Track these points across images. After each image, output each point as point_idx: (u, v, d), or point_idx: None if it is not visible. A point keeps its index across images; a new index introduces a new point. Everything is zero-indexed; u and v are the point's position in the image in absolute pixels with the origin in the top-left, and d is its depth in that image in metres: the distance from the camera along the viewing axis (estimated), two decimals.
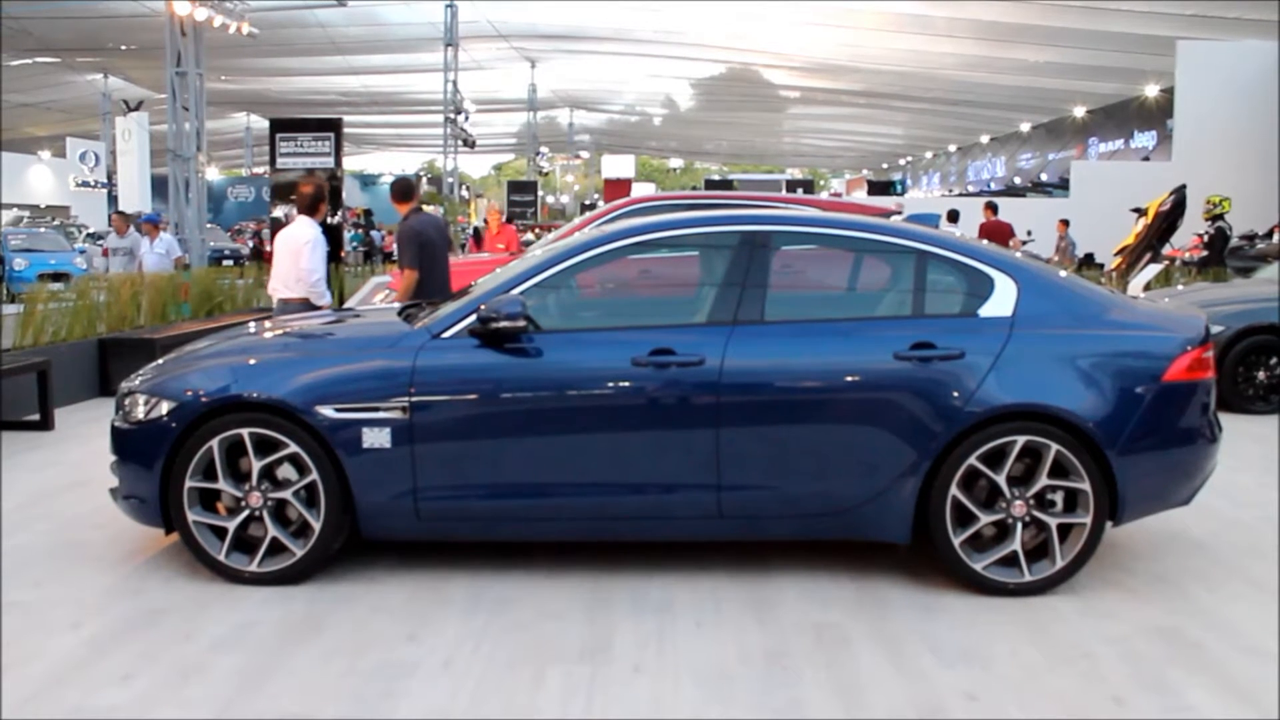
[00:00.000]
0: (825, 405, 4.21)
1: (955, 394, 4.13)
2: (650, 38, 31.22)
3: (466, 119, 32.60)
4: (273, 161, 14.76)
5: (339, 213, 15.19)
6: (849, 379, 4.19)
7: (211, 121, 33.87)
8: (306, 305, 7.27)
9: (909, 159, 58.34)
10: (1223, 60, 21.30)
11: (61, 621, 3.93)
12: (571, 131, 53.38)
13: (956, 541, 4.16)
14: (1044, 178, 37.28)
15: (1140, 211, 13.70)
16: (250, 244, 29.11)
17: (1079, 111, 35.80)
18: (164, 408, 4.30)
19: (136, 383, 4.55)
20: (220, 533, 4.29)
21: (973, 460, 4.13)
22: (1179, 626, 3.94)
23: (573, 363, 4.27)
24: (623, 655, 3.65)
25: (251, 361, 4.44)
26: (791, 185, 41.43)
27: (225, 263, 22.72)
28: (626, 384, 4.21)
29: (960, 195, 36.55)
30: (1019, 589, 4.18)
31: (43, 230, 23.74)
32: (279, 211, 14.18)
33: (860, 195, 38.56)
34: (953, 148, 50.41)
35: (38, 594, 4.22)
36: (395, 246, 8.22)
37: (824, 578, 4.40)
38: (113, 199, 32.49)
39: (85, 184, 39.76)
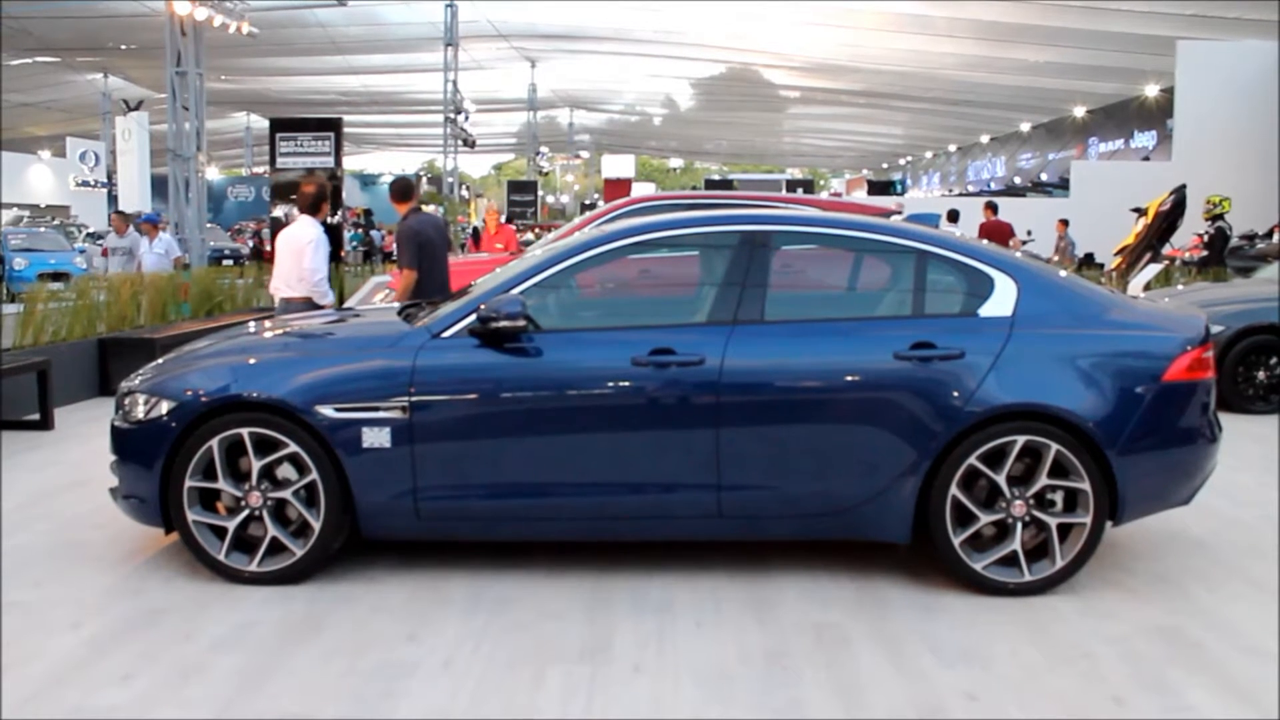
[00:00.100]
0: (825, 405, 4.21)
1: (955, 394, 4.13)
2: (650, 38, 31.22)
3: (466, 119, 32.59)
4: (273, 161, 14.76)
5: (339, 212, 15.19)
6: (849, 379, 4.19)
7: (211, 121, 33.88)
8: (309, 304, 7.27)
9: (909, 159, 58.35)
10: (1223, 60, 21.30)
11: (61, 621, 3.93)
12: (571, 131, 53.39)
13: (956, 541, 4.16)
14: (1044, 178, 37.29)
15: (1140, 211, 13.70)
16: (250, 244, 29.11)
17: (1079, 111, 35.80)
18: (164, 407, 4.30)
19: (136, 382, 4.55)
20: (220, 532, 4.29)
21: (973, 460, 4.13)
22: (1179, 626, 3.94)
23: (573, 362, 4.27)
24: (623, 655, 3.65)
25: (251, 361, 4.44)
26: (791, 185, 41.43)
27: (225, 262, 22.71)
28: (626, 384, 4.21)
29: (960, 195, 36.55)
30: (1019, 589, 4.18)
31: (43, 230, 23.74)
32: (279, 211, 14.19)
33: (860, 195, 38.56)
34: (953, 148, 50.42)
35: (38, 594, 4.22)
36: (395, 246, 8.22)
37: (824, 578, 4.40)
38: (113, 199, 32.47)
39: (85, 184, 39.76)
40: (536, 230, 31.14)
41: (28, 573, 4.45)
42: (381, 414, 4.18)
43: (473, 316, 4.29)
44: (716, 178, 47.28)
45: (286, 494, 4.24)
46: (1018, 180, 40.66)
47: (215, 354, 4.56)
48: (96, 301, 9.47)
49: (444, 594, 4.21)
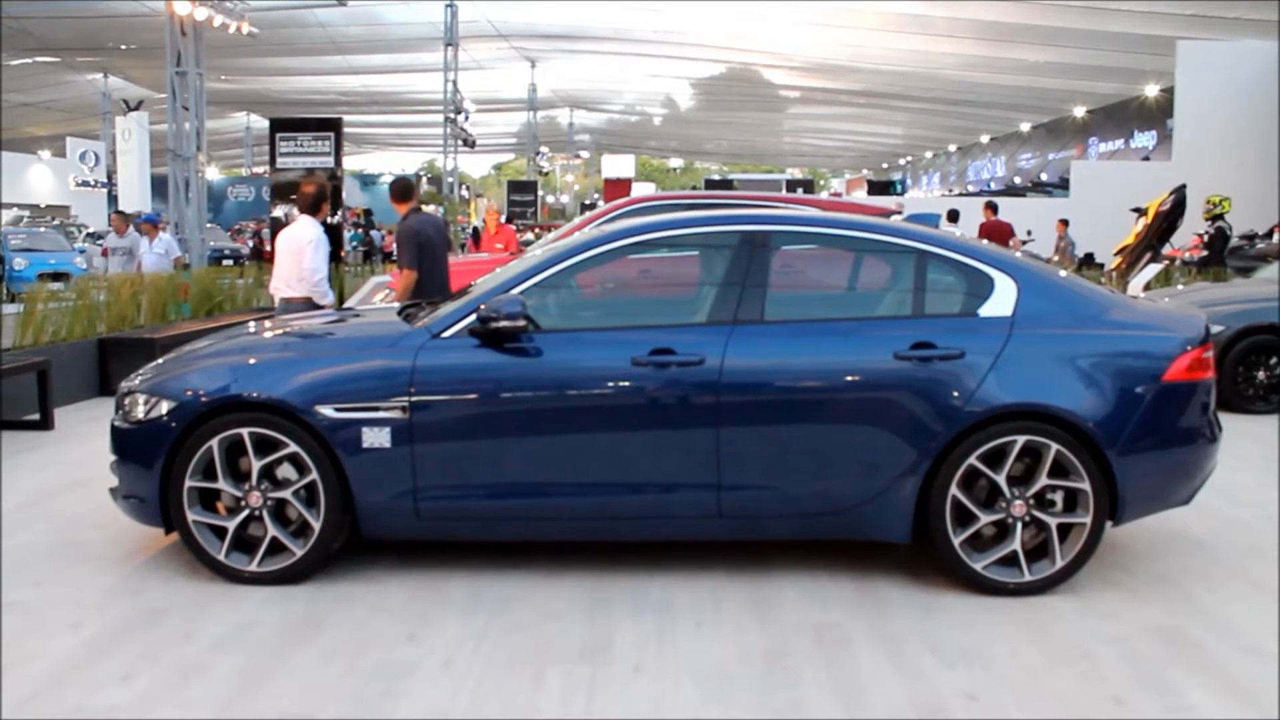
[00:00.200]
0: (825, 405, 4.21)
1: (955, 394, 4.13)
2: (650, 38, 31.22)
3: (466, 119, 32.59)
4: (273, 161, 14.76)
5: (339, 212, 15.19)
6: (849, 379, 4.19)
7: (211, 121, 33.88)
8: (309, 304, 7.27)
9: (909, 159, 58.35)
10: (1223, 60, 21.30)
11: (61, 621, 3.93)
12: (571, 131, 53.38)
13: (956, 541, 4.16)
14: (1044, 177, 37.29)
15: (1140, 211, 13.70)
16: (250, 244, 29.11)
17: (1079, 111, 35.81)
18: (164, 407, 4.30)
19: (136, 382, 4.55)
20: (220, 532, 4.29)
21: (973, 460, 4.13)
22: (1179, 626, 3.94)
23: (573, 362, 4.27)
24: (623, 655, 3.65)
25: (251, 361, 4.44)
26: (791, 185, 41.39)
27: (225, 262, 22.72)
28: (626, 384, 4.21)
29: (960, 195, 36.56)
30: (1019, 589, 4.18)
31: (43, 230, 23.74)
32: (279, 211, 14.18)
33: (860, 195, 38.56)
34: (953, 147, 50.42)
35: (38, 594, 4.22)
36: (395, 246, 8.22)
37: (824, 577, 4.40)
38: (113, 198, 32.48)
39: (85, 183, 39.76)
40: (536, 230, 31.13)
41: (28, 573, 4.45)
42: (381, 414, 4.18)
43: (473, 316, 4.29)
44: (716, 178, 47.25)
45: (286, 494, 4.24)
46: (1018, 180, 40.66)
47: (215, 354, 4.56)
48: (96, 301, 9.47)
49: (444, 594, 4.21)
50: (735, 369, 4.18)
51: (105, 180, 38.42)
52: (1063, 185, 29.24)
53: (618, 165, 50.06)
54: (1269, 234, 17.40)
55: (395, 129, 52.88)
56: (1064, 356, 4.21)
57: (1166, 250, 14.50)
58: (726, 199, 10.57)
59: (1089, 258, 19.70)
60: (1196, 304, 7.89)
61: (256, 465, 4.23)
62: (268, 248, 20.03)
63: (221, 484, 4.25)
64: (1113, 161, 31.90)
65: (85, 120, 43.33)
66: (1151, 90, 29.51)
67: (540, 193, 49.53)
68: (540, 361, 4.25)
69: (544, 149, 47.33)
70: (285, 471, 4.28)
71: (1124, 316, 4.41)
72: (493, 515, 4.32)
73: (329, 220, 7.82)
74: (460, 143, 32.59)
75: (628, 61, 36.58)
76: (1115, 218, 15.99)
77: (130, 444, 4.41)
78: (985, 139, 45.69)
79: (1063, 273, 4.75)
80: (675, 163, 79.79)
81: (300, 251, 7.30)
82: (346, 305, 9.29)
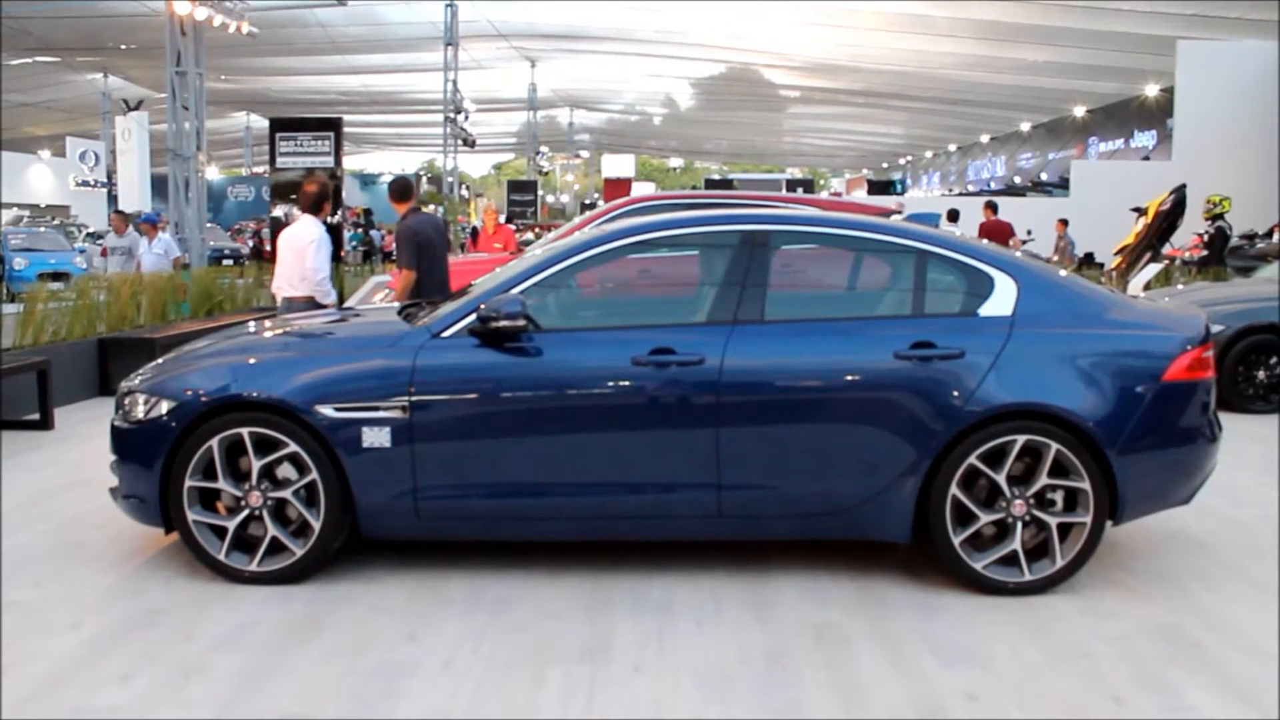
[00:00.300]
0: (825, 404, 4.21)
1: (955, 393, 4.13)
2: (650, 38, 31.22)
3: (466, 118, 32.59)
4: (272, 161, 14.75)
5: (339, 212, 15.18)
6: (849, 378, 4.19)
7: (211, 121, 33.87)
8: (311, 304, 7.26)
9: (909, 158, 58.35)
10: (1223, 60, 21.29)
11: (61, 621, 3.93)
12: (571, 131, 53.39)
13: (956, 541, 4.16)
14: (1044, 177, 37.29)
15: (1140, 211, 13.70)
16: (250, 243, 29.10)
17: (1079, 111, 35.81)
18: (164, 407, 4.30)
19: (136, 382, 4.55)
20: (220, 532, 4.28)
21: (973, 459, 4.13)
22: (1179, 626, 3.94)
23: (573, 362, 4.27)
24: (623, 655, 3.65)
25: (251, 361, 4.44)
26: (791, 185, 41.37)
27: (225, 262, 22.71)
28: (626, 383, 4.21)
29: (960, 195, 36.55)
30: (1019, 588, 4.18)
31: (43, 230, 23.75)
32: (279, 211, 14.17)
33: (860, 195, 38.54)
34: (953, 147, 50.42)
35: (38, 594, 4.21)
36: (394, 246, 8.21)
37: (824, 577, 4.40)
38: (113, 198, 32.48)
39: (85, 183, 39.76)
40: (536, 230, 31.11)
41: (28, 573, 4.45)
42: (381, 414, 4.18)
43: (473, 316, 4.29)
44: (716, 177, 47.24)
45: (286, 494, 4.24)
46: (1018, 180, 40.66)
47: (215, 354, 4.56)
48: (96, 301, 9.47)
49: (444, 594, 4.21)
50: (735, 369, 4.18)
51: (105, 180, 38.42)
52: (1063, 185, 29.23)
53: (618, 165, 50.04)
54: (1269, 234, 17.39)
55: (395, 129, 52.88)
56: (1064, 356, 4.21)
57: (1166, 250, 14.50)
58: (726, 199, 10.57)
59: (1089, 257, 19.70)
60: (1196, 303, 7.88)
61: (256, 465, 4.23)
62: (267, 248, 20.03)
63: (221, 484, 4.25)
64: (1113, 161, 31.90)
65: (85, 120, 43.34)
66: (1151, 90, 29.51)
67: (540, 192, 49.52)
68: (540, 361, 4.25)
69: (544, 149, 47.34)
70: (285, 471, 4.28)
71: (1124, 316, 4.41)
72: (493, 515, 4.32)
73: (329, 220, 7.82)
74: (460, 142, 32.60)
75: (628, 61, 36.58)
76: (1115, 217, 15.99)
77: (130, 444, 4.41)
78: (985, 139, 45.69)
79: (1063, 272, 4.75)
80: (675, 162, 79.79)
81: (302, 251, 7.29)
82: (346, 305, 9.29)
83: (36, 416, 7.55)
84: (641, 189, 40.12)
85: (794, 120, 48.24)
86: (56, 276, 16.58)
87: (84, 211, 36.89)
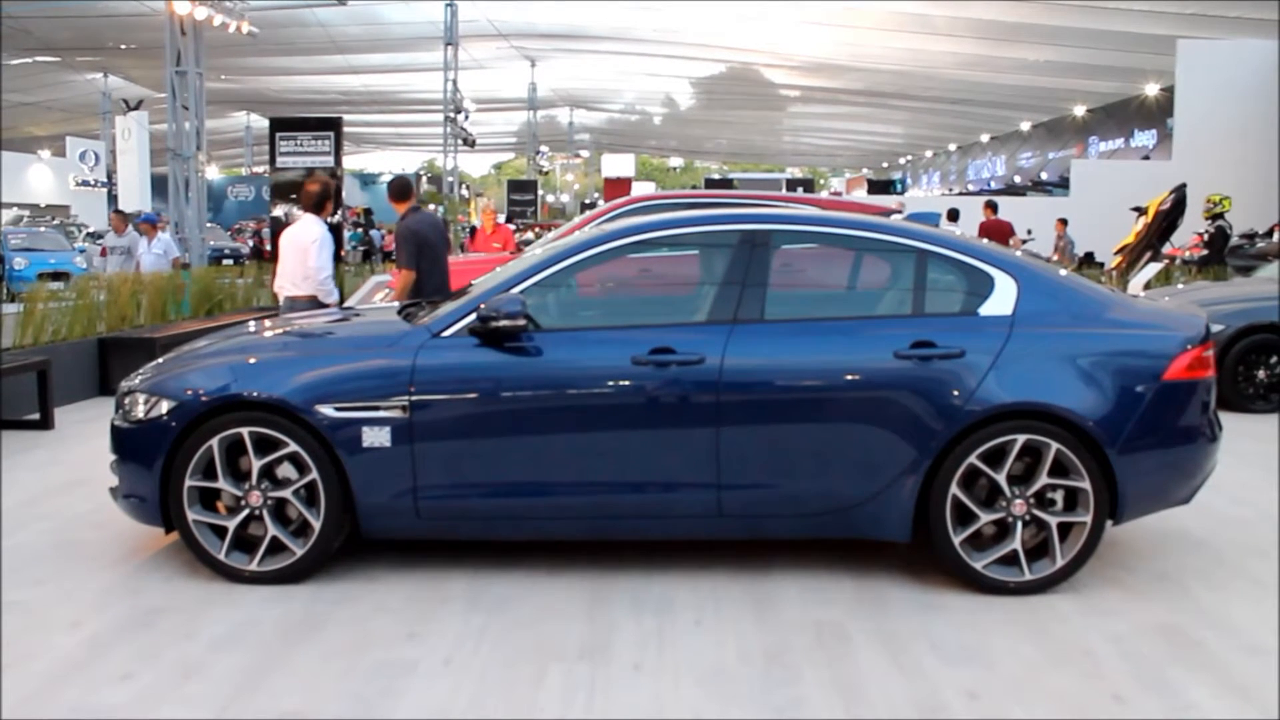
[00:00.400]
0: (825, 404, 4.21)
1: (955, 393, 4.13)
2: (650, 37, 31.22)
3: (466, 118, 32.59)
4: (272, 161, 14.74)
5: (339, 212, 15.18)
6: (849, 378, 4.19)
7: (211, 121, 33.87)
8: (314, 303, 7.26)
9: (909, 158, 58.34)
10: (1223, 60, 21.28)
11: (61, 620, 3.93)
12: (571, 130, 53.38)
13: (957, 540, 4.16)
14: (1044, 176, 37.28)
15: (1140, 210, 13.72)
16: (250, 243, 29.10)
17: (1079, 110, 35.80)
18: (164, 407, 4.30)
19: (136, 382, 4.55)
20: (220, 532, 4.28)
21: (973, 459, 4.13)
22: (1179, 625, 3.94)
23: (573, 361, 4.27)
24: (623, 654, 3.65)
25: (251, 360, 4.44)
26: (791, 184, 41.42)
27: (225, 262, 22.71)
28: (626, 383, 4.21)
29: (960, 194, 36.52)
30: (1019, 588, 4.18)
31: (43, 229, 23.76)
32: (279, 210, 14.17)
33: (860, 194, 38.54)
34: (953, 146, 50.42)
35: (38, 593, 4.21)
36: (394, 246, 8.21)
37: (824, 576, 4.40)
38: (113, 198, 32.48)
39: (85, 183, 39.77)
40: (536, 229, 31.11)
41: (28, 572, 4.45)
42: (381, 413, 4.18)
43: (473, 316, 4.29)
44: (716, 177, 47.26)
45: (287, 493, 4.24)
46: (1018, 179, 40.65)
47: (215, 353, 4.56)
48: (96, 301, 9.47)
49: (444, 593, 4.21)
50: (735, 368, 4.18)
51: (105, 180, 38.43)
52: (1063, 184, 29.22)
53: (618, 164, 50.00)
54: (1269, 233, 17.38)
55: (395, 128, 52.88)
56: (1064, 355, 4.21)
57: (1166, 249, 14.51)
58: (726, 198, 10.57)
59: (1089, 257, 19.71)
60: (1196, 303, 7.89)
61: (256, 464, 4.23)
62: (268, 247, 20.03)
63: (221, 483, 4.25)
64: (1113, 160, 31.89)
65: (85, 120, 43.33)
66: (1152, 89, 29.50)
67: (540, 192, 49.52)
68: (540, 361, 4.25)
69: (544, 148, 47.34)
70: (285, 471, 4.28)
71: (1124, 315, 4.41)
72: (493, 514, 4.32)
73: (330, 219, 7.82)
74: (460, 142, 32.59)
75: (628, 61, 36.57)
76: (1115, 217, 16.00)
77: (130, 443, 4.41)
78: (985, 138, 45.68)
79: (1063, 272, 4.75)
80: (675, 162, 79.78)
81: (305, 250, 7.28)
82: (346, 305, 9.28)
83: (36, 416, 7.55)
84: (641, 189, 40.12)
85: (794, 120, 48.24)
86: (56, 276, 16.59)
87: (84, 211, 36.90)
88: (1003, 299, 4.31)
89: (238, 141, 52.54)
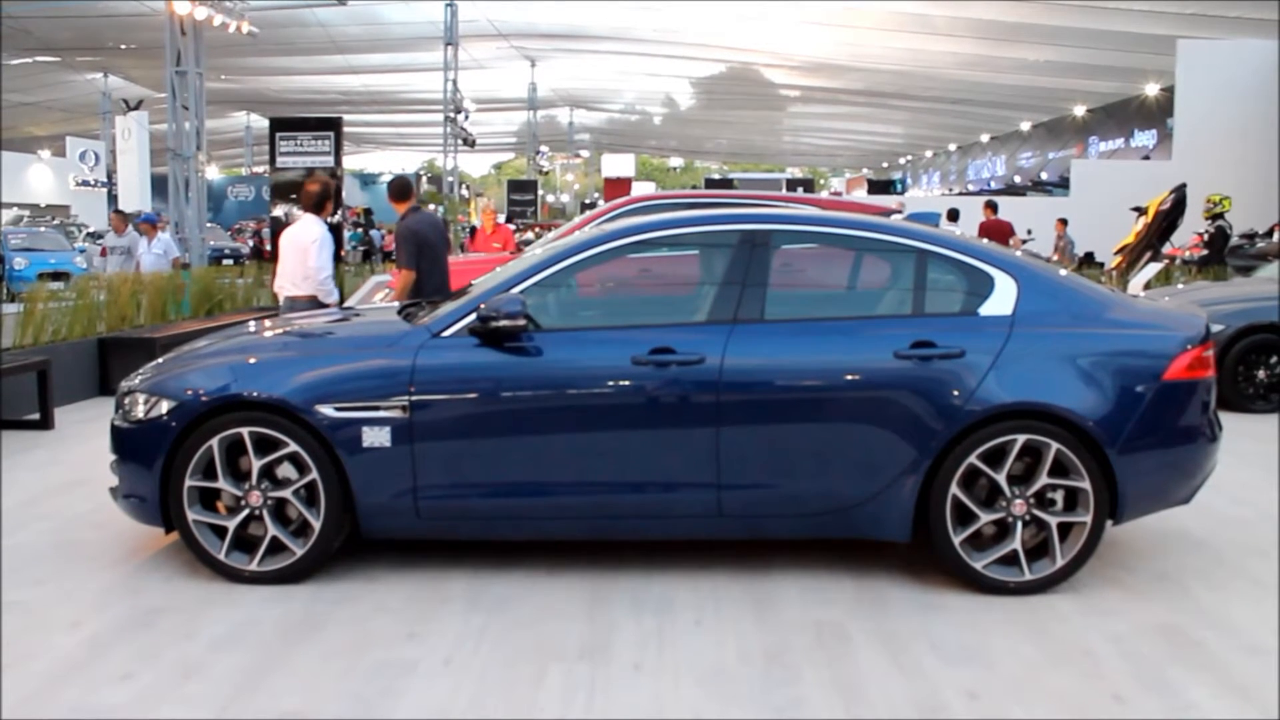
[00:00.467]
0: (825, 404, 4.21)
1: (955, 393, 4.13)
2: (650, 37, 31.22)
3: (466, 118, 32.58)
4: (272, 160, 14.75)
5: (339, 212, 15.18)
6: (849, 378, 4.19)
7: (211, 121, 33.87)
8: (314, 303, 7.26)
9: (909, 158, 58.35)
10: (1223, 60, 21.28)
11: (61, 620, 3.93)
12: (571, 130, 53.38)
13: (957, 540, 4.16)
14: (1044, 176, 37.29)
15: (1140, 210, 13.72)
16: (250, 243, 29.10)
17: (1079, 110, 35.80)
18: (164, 407, 4.30)
19: (136, 382, 4.55)
20: (220, 532, 4.28)
21: (973, 459, 4.13)
22: (1180, 625, 3.94)
23: (573, 361, 4.27)
24: (623, 654, 3.65)
25: (251, 360, 4.44)
26: (791, 184, 41.40)
27: (225, 262, 22.71)
28: (626, 383, 4.21)
29: (960, 194, 36.52)
30: (1019, 588, 4.18)
31: (43, 229, 23.77)
32: (279, 210, 14.17)
33: (860, 194, 38.54)
34: (953, 146, 50.41)
35: (38, 593, 4.22)
36: (393, 246, 8.21)
37: (824, 576, 4.40)
38: (113, 198, 32.47)
39: (85, 183, 39.77)
40: (536, 229, 31.11)
41: (28, 572, 4.45)
42: (382, 413, 4.18)
43: (473, 315, 4.29)
44: (716, 177, 47.26)
45: (287, 493, 4.24)
46: (1018, 179, 40.66)
47: (215, 353, 4.56)
48: (96, 301, 9.47)
49: (444, 593, 4.21)
50: (735, 368, 4.18)
51: (105, 180, 38.42)
52: (1063, 184, 29.22)
53: (618, 164, 49.98)
54: (1269, 233, 17.38)
55: (395, 128, 52.87)
56: (1064, 355, 4.21)
57: (1166, 249, 14.51)
58: (726, 198, 10.56)
59: (1089, 257, 19.71)
60: (1196, 303, 7.88)
61: (256, 465, 4.23)
62: (268, 247, 20.03)
63: (221, 483, 4.25)
64: (1113, 160, 31.89)
65: (85, 120, 43.33)
66: (1152, 89, 29.50)
67: (540, 192, 49.52)
68: (540, 360, 4.25)
69: (544, 148, 47.32)
70: (285, 471, 4.28)
71: (1124, 315, 4.41)
72: (493, 514, 4.32)
73: (330, 219, 7.82)
74: (460, 142, 32.59)
75: (628, 61, 36.57)
76: (1115, 217, 16.00)
77: (130, 443, 4.41)
78: (985, 138, 45.68)
79: (1063, 272, 4.75)
80: (675, 162, 79.76)
81: (305, 250, 7.27)
82: (346, 305, 9.28)
83: (36, 416, 7.55)
84: (641, 189, 40.11)
85: (794, 120, 48.23)
86: (56, 276, 16.58)
87: (84, 211, 36.91)
88: (1003, 299, 4.31)
89: (238, 141, 52.54)
